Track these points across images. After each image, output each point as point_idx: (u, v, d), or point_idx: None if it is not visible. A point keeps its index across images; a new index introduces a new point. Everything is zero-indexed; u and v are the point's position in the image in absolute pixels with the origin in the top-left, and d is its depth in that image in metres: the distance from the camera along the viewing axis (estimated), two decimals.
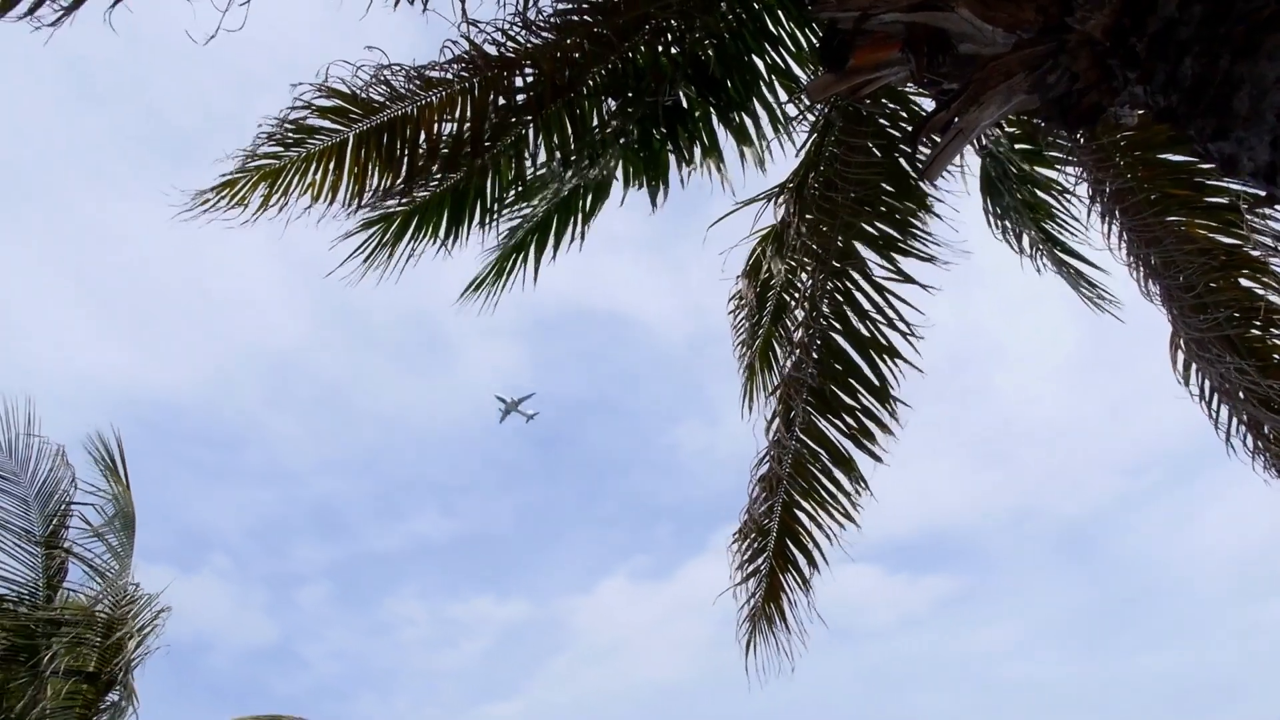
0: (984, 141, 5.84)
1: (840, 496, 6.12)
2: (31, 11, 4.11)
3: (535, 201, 6.72)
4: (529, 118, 6.21)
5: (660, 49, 5.86)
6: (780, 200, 5.84)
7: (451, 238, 6.99)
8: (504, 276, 7.15)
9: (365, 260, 7.04)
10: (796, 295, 5.75)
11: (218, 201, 6.39)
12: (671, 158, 6.18)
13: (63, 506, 7.66)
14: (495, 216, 6.57)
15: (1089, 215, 5.51)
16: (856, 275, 5.65)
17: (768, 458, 5.98)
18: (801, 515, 6.13)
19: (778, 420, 5.87)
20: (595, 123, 6.03)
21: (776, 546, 6.24)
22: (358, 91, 6.05)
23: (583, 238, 6.75)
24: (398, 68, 5.85)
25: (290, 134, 6.26)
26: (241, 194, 6.41)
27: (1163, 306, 5.44)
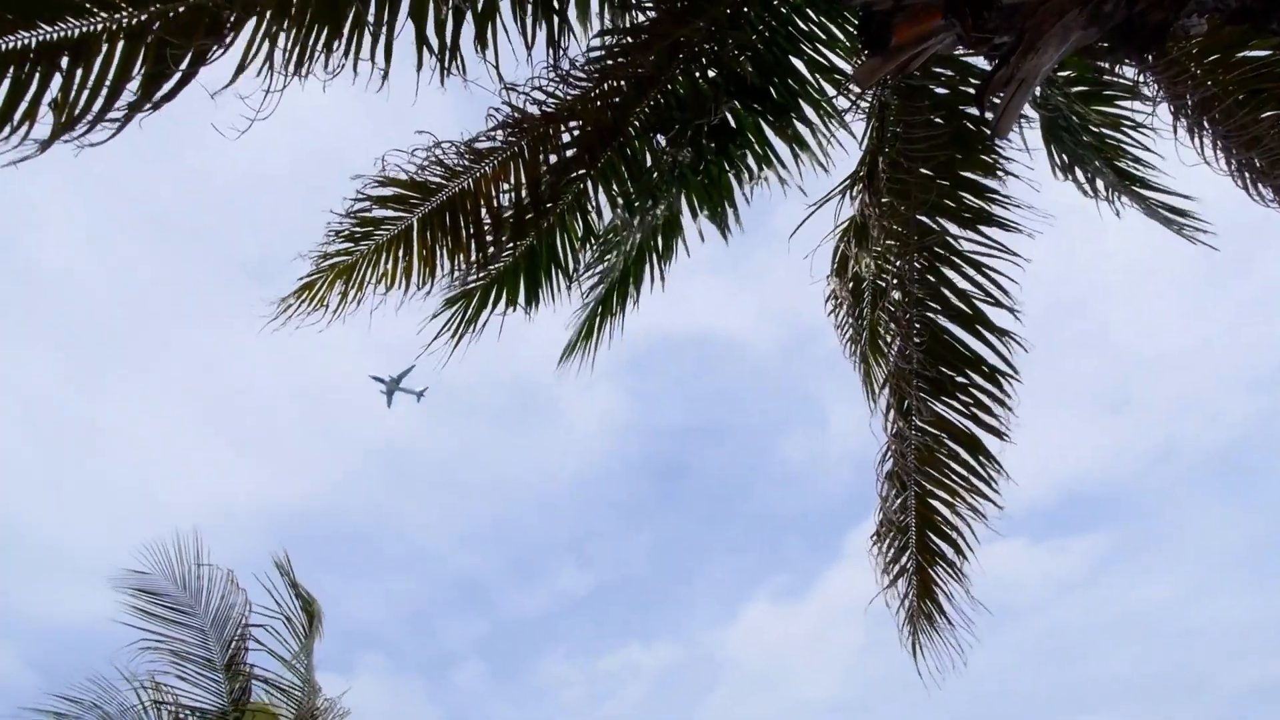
0: (1042, 91, 5.63)
1: (972, 478, 5.88)
2: (92, 127, 4.35)
3: (612, 254, 6.77)
4: (582, 170, 6.29)
5: (697, 74, 5.86)
6: (854, 192, 5.73)
7: (532, 302, 7.09)
8: (594, 335, 7.20)
9: (453, 337, 7.20)
10: (890, 282, 5.61)
11: (300, 306, 6.64)
12: (732, 178, 6.14)
13: (239, 630, 7.97)
14: (575, 274, 6.65)
15: (1176, 134, 5.22)
16: (942, 250, 5.48)
17: (890, 453, 5.80)
18: (937, 504, 5.91)
19: (893, 412, 5.69)
20: (649, 162, 6.06)
21: (919, 542, 6.02)
22: (414, 176, 6.22)
23: (663, 278, 6.77)
24: (448, 145, 5.99)
25: (357, 229, 6.48)
26: (320, 294, 6.64)
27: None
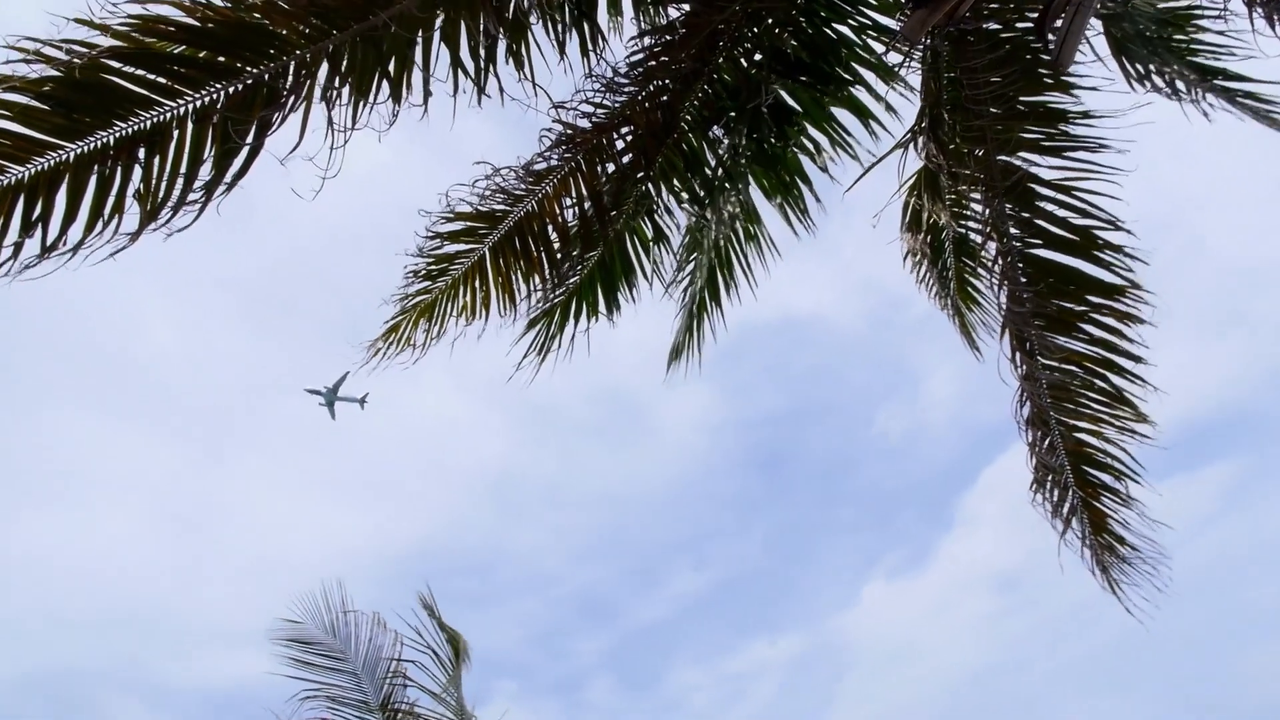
0: (1101, 7, 5.38)
1: (1114, 403, 5.63)
2: (175, 213, 4.55)
3: (696, 252, 6.77)
4: (640, 174, 6.29)
5: (741, 59, 5.80)
6: (919, 145, 5.58)
7: (613, 309, 7.14)
8: (696, 336, 7.20)
9: (539, 356, 7.29)
10: (977, 228, 5.42)
11: (388, 348, 6.82)
12: (799, 156, 6.06)
13: (390, 671, 8.21)
14: (652, 277, 6.67)
15: (1253, 22, 4.91)
16: (1030, 184, 5.26)
17: (1025, 397, 5.58)
18: (1085, 437, 5.67)
19: (1017, 356, 5.49)
20: (708, 155, 6.03)
21: (1078, 478, 5.80)
22: (478, 207, 6.32)
23: (749, 271, 6.73)
24: (507, 170, 6.07)
25: (433, 267, 6.62)
26: (406, 335, 6.81)
27: None
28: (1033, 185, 5.47)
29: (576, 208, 6.35)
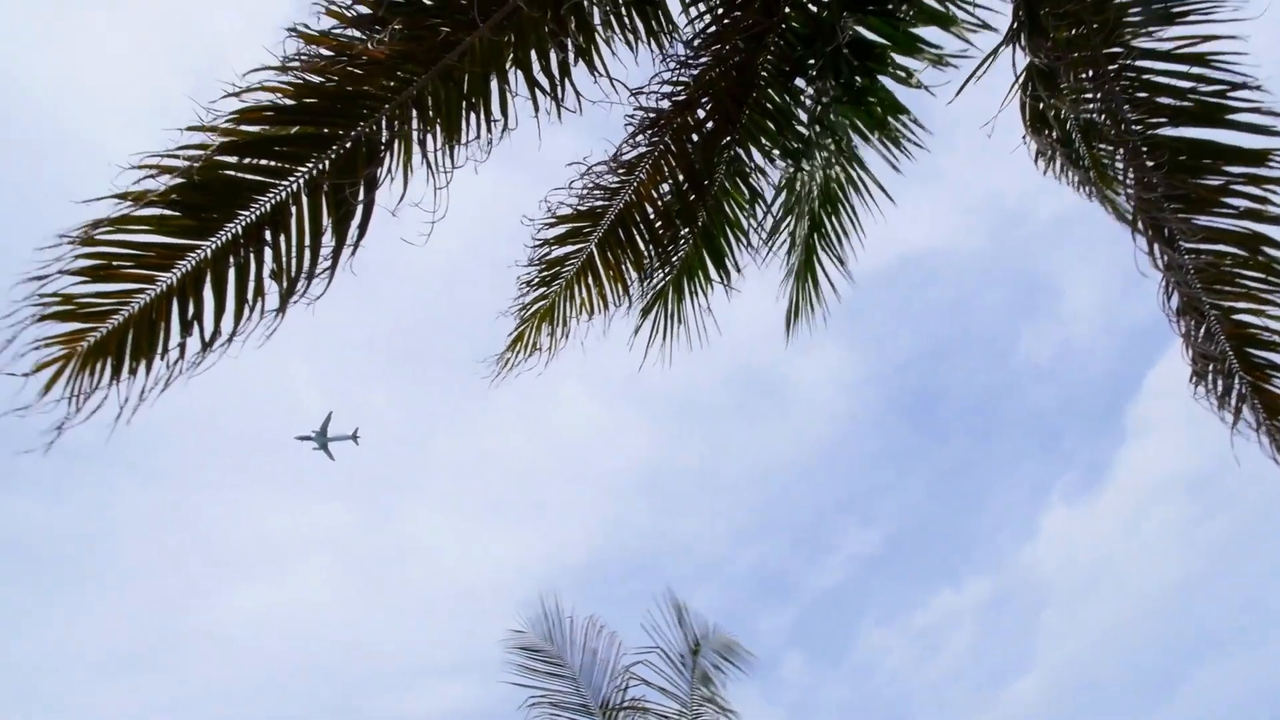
0: None
1: (1272, 276, 5.26)
2: (310, 283, 4.79)
3: (796, 209, 6.68)
4: (727, 139, 6.24)
5: (808, 3, 5.65)
6: (1021, 41, 5.28)
7: (723, 277, 7.13)
8: (811, 292, 7.13)
9: (661, 339, 7.37)
10: (1099, 117, 5.11)
11: (516, 358, 7.02)
12: (889, 87, 5.87)
13: (608, 672, 8.57)
14: (756, 241, 6.62)
15: None
16: (1145, 61, 4.92)
17: (1171, 287, 5.29)
18: (1245, 318, 5.33)
19: (1156, 245, 5.19)
20: (794, 108, 5.92)
21: (1243, 363, 5.47)
22: (578, 207, 6.41)
23: (857, 216, 6.59)
24: (599, 166, 6.12)
25: (545, 273, 6.76)
26: (530, 341, 7.00)
27: None
28: (1144, 61, 5.14)
29: (672, 187, 6.37)
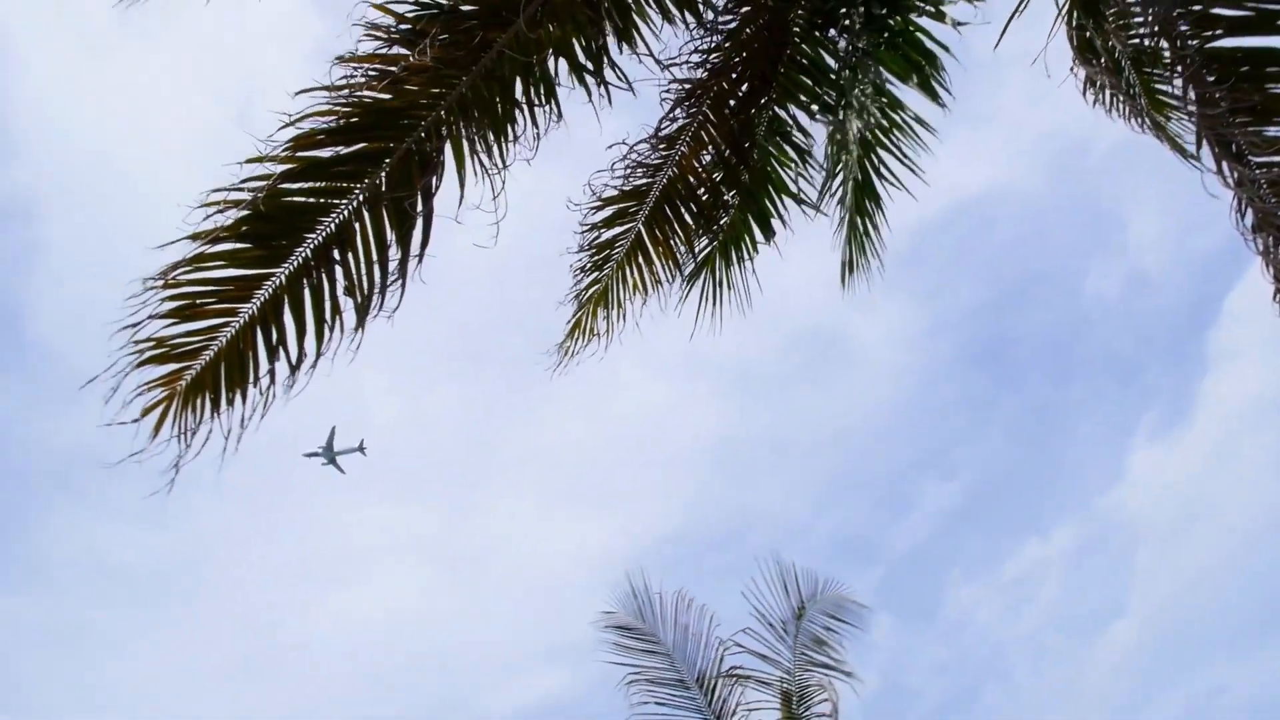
0: None
1: None
2: (383, 297, 4.89)
3: (841, 163, 6.63)
4: (765, 99, 6.22)
5: None
6: None
7: (768, 236, 7.12)
8: (861, 244, 7.10)
9: (712, 306, 7.39)
10: (1150, 40, 5.00)
11: (575, 344, 7.08)
12: (921, 29, 5.80)
13: (702, 645, 8.70)
14: (803, 200, 6.60)
15: None
16: None
17: (1244, 205, 5.19)
18: None
19: (1225, 163, 5.08)
20: (829, 60, 5.88)
21: None
22: (622, 188, 6.43)
23: (905, 161, 6.52)
24: (640, 144, 6.13)
25: (596, 257, 6.80)
26: (588, 327, 7.05)
27: None
28: None
29: (714, 155, 6.37)
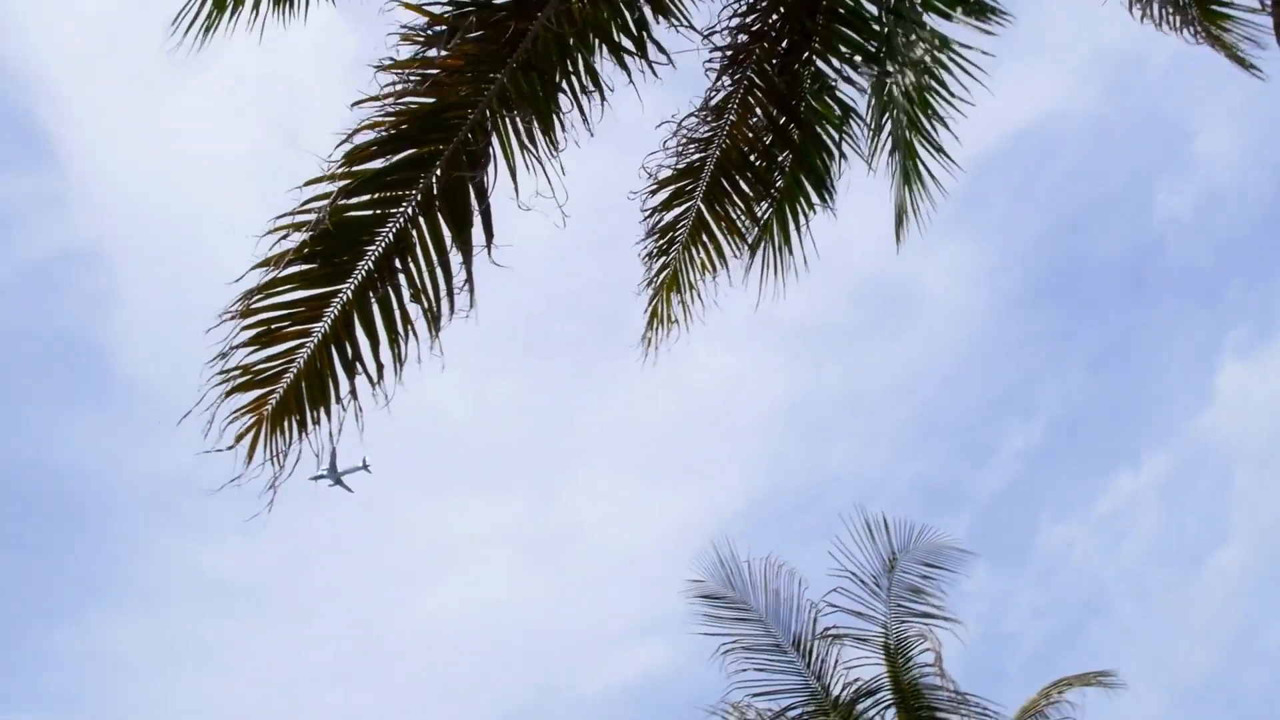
0: None
1: None
2: (453, 303, 4.89)
3: (889, 110, 6.44)
4: (807, 54, 6.05)
5: None
6: None
7: (824, 197, 6.93)
8: (918, 188, 6.87)
9: (777, 274, 7.21)
10: None
11: (656, 333, 7.00)
12: None
13: (794, 608, 8.59)
14: (864, 153, 6.42)
15: None
16: None
17: None
18: None
19: None
20: (867, 5, 5.69)
21: None
22: (676, 166, 6.34)
23: (954, 100, 6.30)
24: (689, 119, 6.04)
25: (660, 241, 6.72)
26: (665, 314, 6.97)
27: None
28: None
29: (763, 119, 6.23)
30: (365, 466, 57.08)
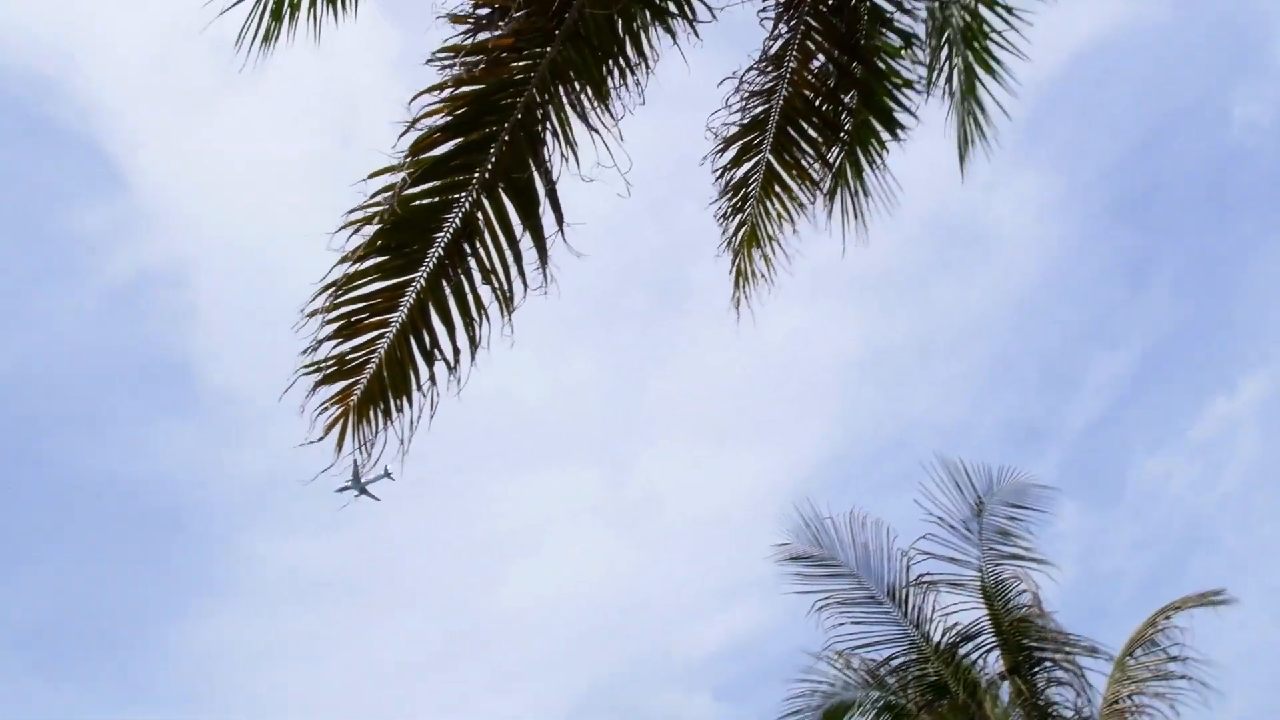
0: None
1: None
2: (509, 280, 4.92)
3: (945, 35, 6.14)
4: None
5: None
6: None
7: (894, 131, 6.69)
8: (981, 112, 6.57)
9: (857, 219, 7.02)
10: None
11: (743, 291, 6.89)
12: None
13: (885, 559, 8.56)
14: (926, 84, 6.14)
15: None
16: None
17: None
18: None
19: None
20: None
21: None
22: (741, 122, 6.21)
23: (1013, 19, 5.96)
24: (750, 73, 5.90)
25: (733, 199, 6.62)
26: (748, 272, 6.84)
27: None
28: None
29: (824, 62, 6.04)
30: (388, 474, 58.98)
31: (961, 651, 8.57)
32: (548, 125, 4.95)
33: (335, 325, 4.67)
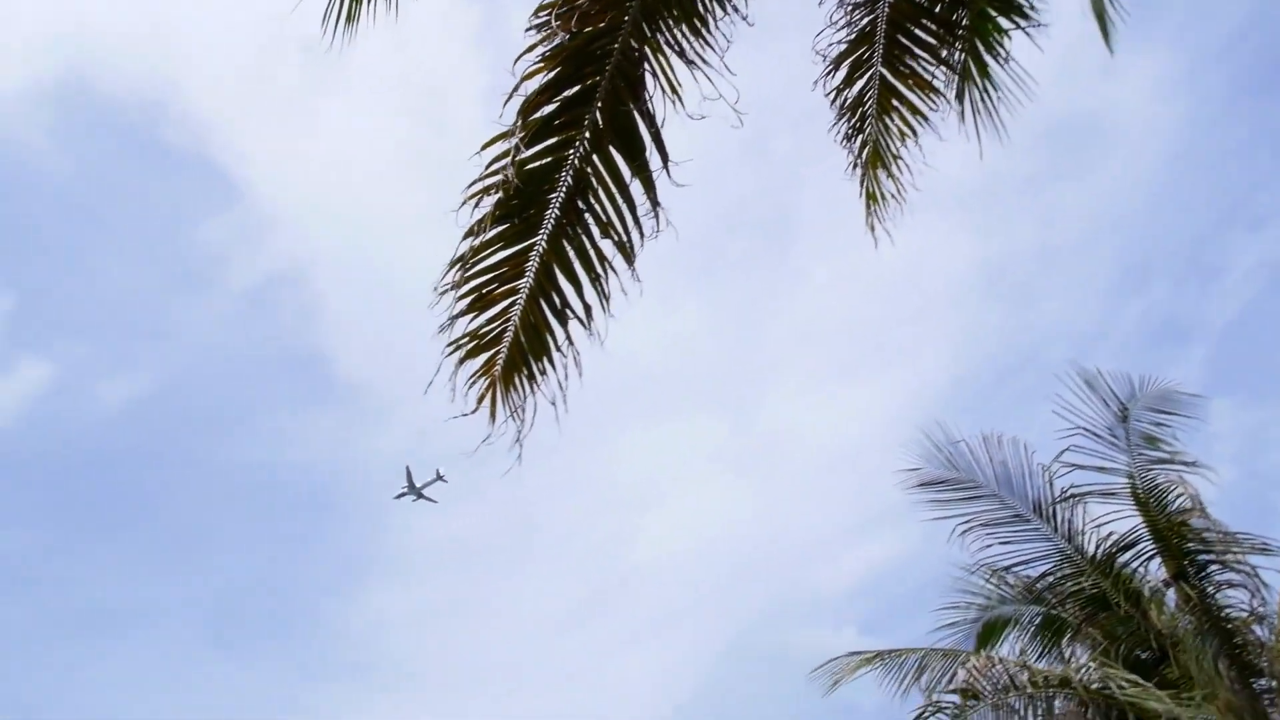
0: None
1: None
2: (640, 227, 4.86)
3: None
4: None
5: None
6: None
7: (1017, 19, 6.26)
8: None
9: (992, 121, 6.64)
10: None
11: (874, 215, 6.62)
12: None
13: (1027, 475, 8.31)
14: None
15: None
16: None
17: None
18: None
19: None
20: None
21: None
22: (848, 38, 5.95)
23: None
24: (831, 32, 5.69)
25: (852, 122, 6.35)
26: (876, 192, 6.55)
27: None
28: None
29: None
30: (441, 477, 59.70)
31: (1120, 561, 8.27)
32: (645, 65, 4.84)
33: (468, 299, 4.72)
